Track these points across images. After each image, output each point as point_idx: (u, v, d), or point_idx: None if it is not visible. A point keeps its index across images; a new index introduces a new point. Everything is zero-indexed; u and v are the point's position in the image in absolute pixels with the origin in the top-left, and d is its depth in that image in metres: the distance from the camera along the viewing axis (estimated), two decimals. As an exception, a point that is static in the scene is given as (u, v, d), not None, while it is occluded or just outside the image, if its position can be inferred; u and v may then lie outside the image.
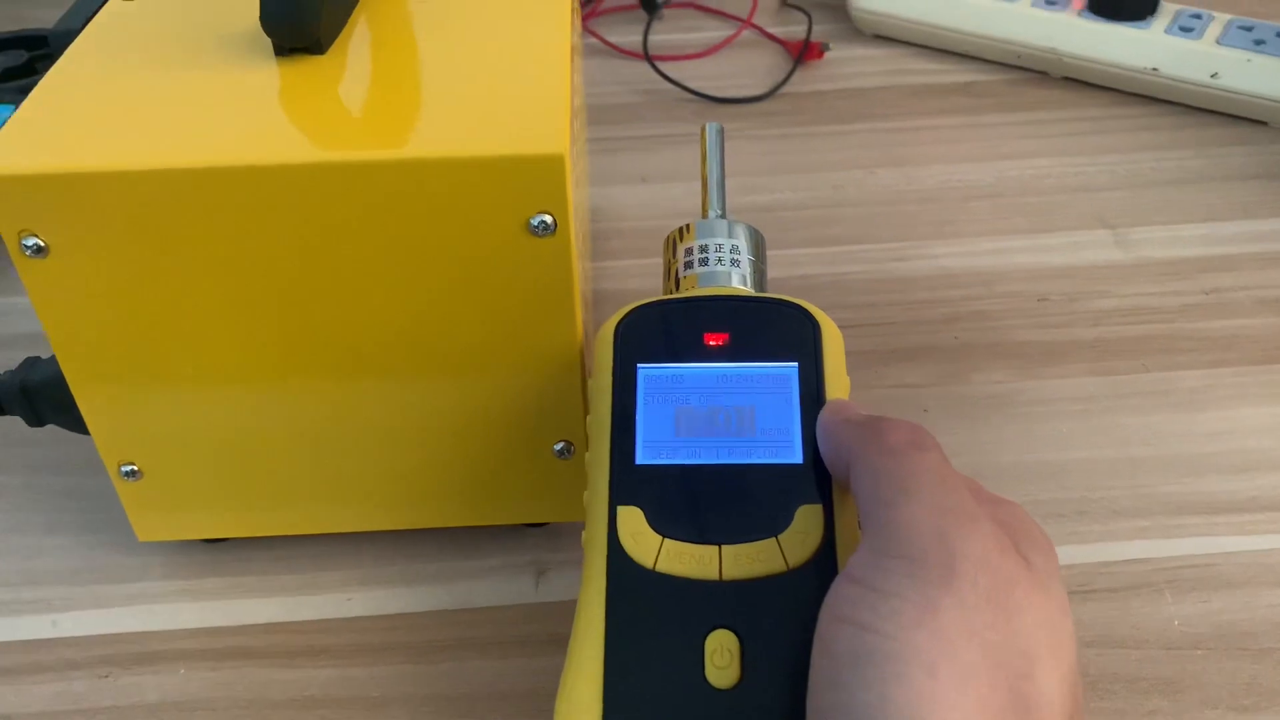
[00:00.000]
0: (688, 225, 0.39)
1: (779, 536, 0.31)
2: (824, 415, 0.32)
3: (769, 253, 0.40)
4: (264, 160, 0.32)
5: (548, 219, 0.33)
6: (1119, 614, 0.39)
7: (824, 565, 0.30)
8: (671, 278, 0.38)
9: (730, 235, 0.38)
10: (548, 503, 0.41)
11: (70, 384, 0.37)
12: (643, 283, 0.54)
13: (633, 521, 0.31)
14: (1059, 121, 0.64)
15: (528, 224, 0.33)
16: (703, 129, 0.41)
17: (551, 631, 0.39)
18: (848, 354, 0.48)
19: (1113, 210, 0.57)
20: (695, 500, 0.32)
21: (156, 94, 0.35)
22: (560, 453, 0.39)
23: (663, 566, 0.31)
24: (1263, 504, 0.43)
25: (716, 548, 0.31)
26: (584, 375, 0.38)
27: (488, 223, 0.33)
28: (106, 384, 0.37)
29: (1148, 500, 0.43)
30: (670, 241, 0.39)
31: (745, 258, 0.38)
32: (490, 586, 0.41)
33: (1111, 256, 0.55)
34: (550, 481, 0.40)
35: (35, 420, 0.40)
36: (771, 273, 0.48)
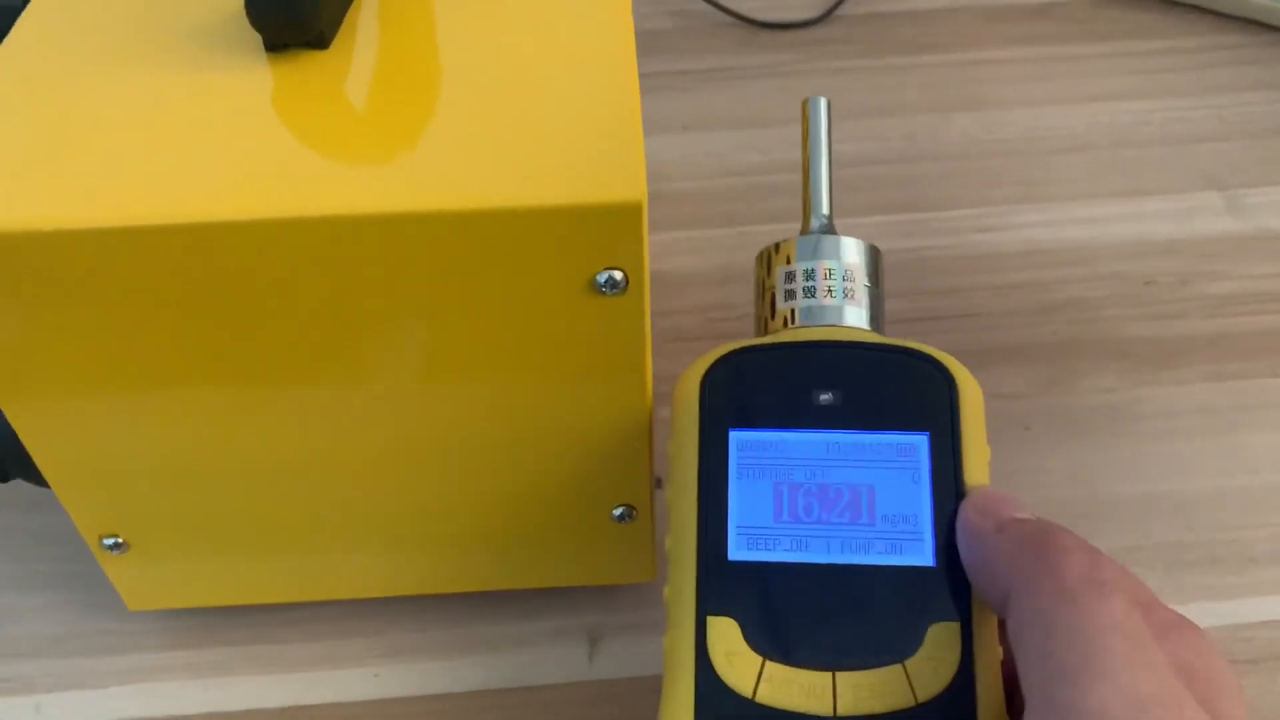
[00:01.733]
0: (783, 244, 0.31)
1: (906, 663, 0.25)
2: (968, 515, 0.26)
3: None
4: (260, 214, 0.25)
5: (617, 275, 0.27)
6: (1265, 691, 0.34)
7: (959, 701, 0.25)
8: (765, 311, 0.31)
9: (842, 256, 0.30)
10: (603, 566, 0.35)
11: (35, 456, 0.30)
12: (692, 262, 0.47)
13: (727, 637, 0.26)
14: (1155, 54, 0.56)
15: (592, 282, 0.27)
16: (804, 105, 0.33)
17: (613, 718, 0.34)
18: None
19: (1223, 165, 0.50)
20: (802, 612, 0.26)
21: (117, 110, 0.28)
22: (620, 518, 0.33)
23: (764, 696, 0.25)
24: None
25: (830, 674, 0.25)
26: (651, 435, 0.31)
27: (543, 282, 0.27)
28: (81, 464, 0.30)
29: (1289, 544, 0.37)
30: (763, 261, 0.32)
31: (862, 286, 0.30)
32: (537, 658, 0.35)
33: (1225, 226, 0.48)
34: (607, 544, 0.34)
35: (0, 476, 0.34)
36: None
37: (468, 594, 0.37)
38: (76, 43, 0.30)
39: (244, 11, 0.28)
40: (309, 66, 0.29)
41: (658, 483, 0.34)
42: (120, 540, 0.33)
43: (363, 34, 0.30)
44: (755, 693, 0.25)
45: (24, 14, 0.31)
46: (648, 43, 0.58)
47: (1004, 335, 0.44)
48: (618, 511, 0.33)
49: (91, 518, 0.32)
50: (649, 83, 0.56)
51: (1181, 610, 0.36)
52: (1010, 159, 0.51)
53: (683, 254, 0.47)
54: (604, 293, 0.27)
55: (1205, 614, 0.36)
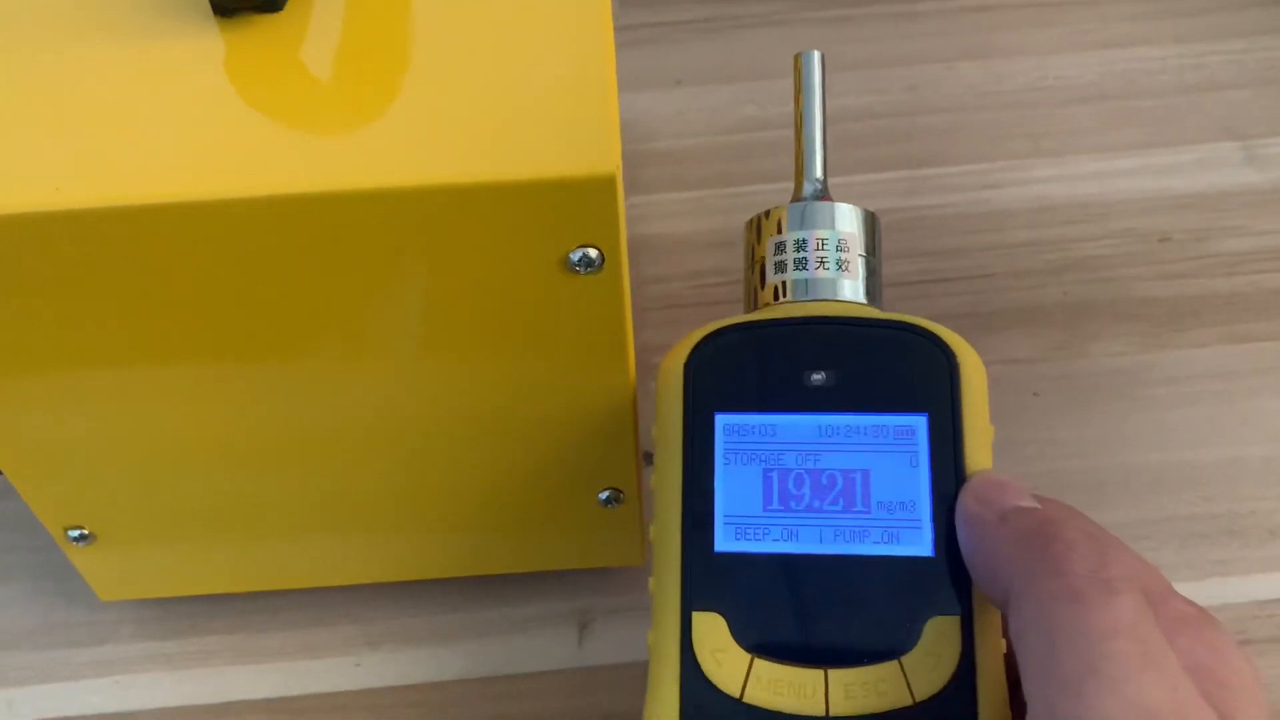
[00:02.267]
0: (774, 210, 0.29)
1: (903, 659, 0.24)
2: (968, 503, 0.25)
3: None
4: (214, 194, 0.23)
5: (591, 253, 0.25)
6: (1281, 672, 0.33)
7: (959, 699, 0.24)
8: (755, 282, 0.29)
9: (836, 225, 0.28)
10: (591, 549, 0.34)
11: (-13, 448, 0.29)
12: (685, 225, 0.45)
13: (714, 633, 0.25)
14: (1169, -4, 0.54)
15: (566, 260, 0.25)
16: (796, 60, 0.31)
17: (602, 708, 0.33)
18: (945, 317, 0.39)
19: (1241, 115, 0.48)
20: (793, 606, 0.25)
21: (61, 87, 0.26)
22: (606, 501, 0.32)
23: (752, 696, 0.24)
24: None
25: (822, 672, 0.24)
26: (635, 418, 0.30)
27: (515, 262, 0.25)
28: (38, 455, 0.29)
29: (1308, 515, 0.36)
30: (752, 229, 0.30)
31: (857, 256, 0.28)
32: (526, 645, 0.34)
33: (1243, 179, 0.46)
34: (594, 527, 0.33)
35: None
36: None
37: (451, 579, 0.35)
38: (15, 13, 0.28)
39: (190, -28, 0.26)
40: (262, 32, 0.27)
41: (648, 458, 0.32)
42: (86, 532, 0.31)
43: (319, -5, 0.28)
44: (743, 692, 0.24)
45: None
46: (640, -8, 0.56)
47: (1011, 297, 0.42)
48: (604, 495, 0.32)
49: (53, 509, 0.31)
50: (640, 34, 0.54)
51: (1197, 587, 0.35)
52: (1018, 111, 0.49)
53: (675, 216, 0.46)
54: (579, 271, 0.25)
55: (1222, 590, 0.35)
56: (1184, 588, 0.34)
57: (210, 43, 0.27)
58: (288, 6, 0.27)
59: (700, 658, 0.24)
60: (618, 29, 0.55)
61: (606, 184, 0.24)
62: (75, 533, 0.31)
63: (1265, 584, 0.35)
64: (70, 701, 0.34)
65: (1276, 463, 0.37)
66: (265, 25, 0.27)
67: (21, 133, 0.25)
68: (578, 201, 0.24)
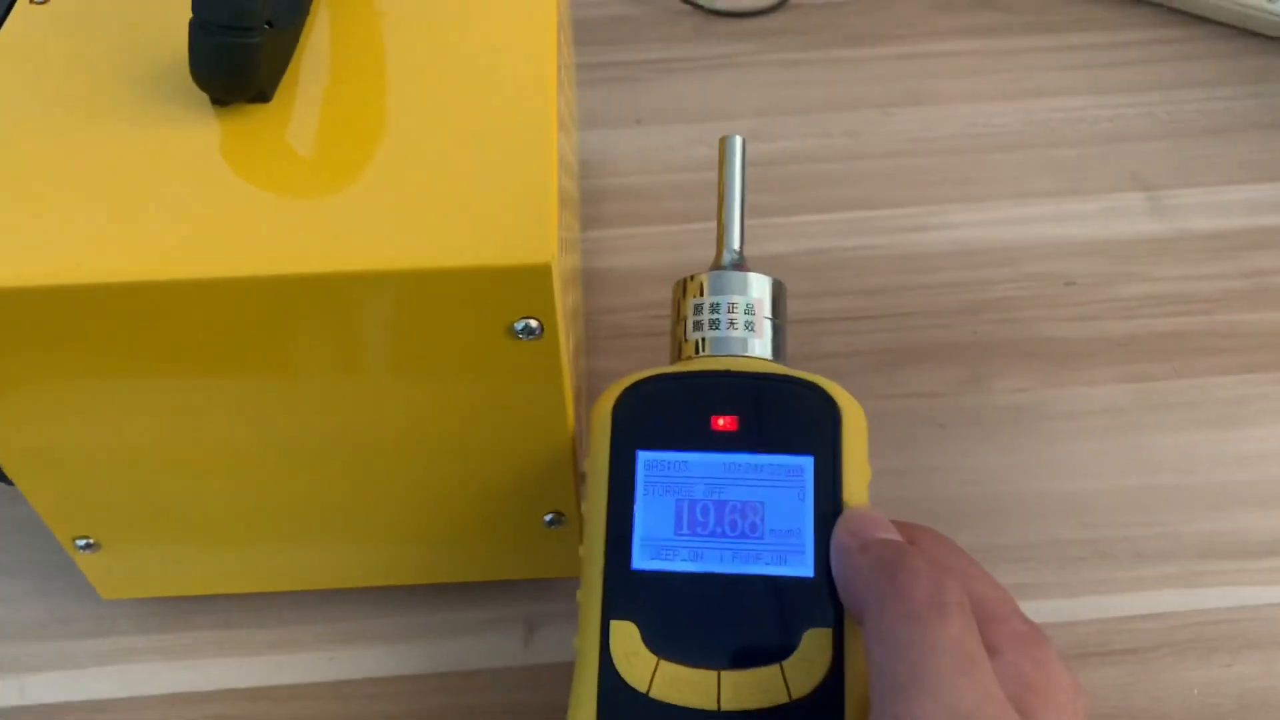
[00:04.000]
0: (695, 278, 0.34)
1: (783, 664, 0.28)
2: (841, 535, 0.29)
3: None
4: (215, 273, 0.28)
5: (533, 324, 0.29)
6: (1136, 680, 0.37)
7: (829, 699, 0.28)
8: (677, 339, 0.34)
9: (748, 291, 0.33)
10: (538, 561, 0.38)
11: (6, 471, 0.33)
12: (639, 259, 0.49)
13: (627, 639, 0.29)
14: (1095, 48, 0.58)
15: (510, 328, 0.29)
16: (721, 142, 0.35)
17: (544, 701, 0.37)
18: (865, 352, 0.45)
19: (1150, 166, 0.53)
20: (694, 616, 0.29)
21: (73, 169, 0.30)
22: (550, 522, 0.36)
23: (658, 692, 0.28)
24: (1294, 546, 0.40)
25: (716, 674, 0.28)
26: (576, 454, 0.34)
27: (467, 328, 0.29)
28: (50, 476, 0.33)
29: (1174, 542, 0.41)
30: (677, 293, 0.34)
31: (764, 319, 0.33)
32: (479, 644, 0.39)
33: (1146, 228, 0.50)
34: (540, 544, 0.37)
35: (-23, 479, 0.37)
36: (778, 245, 0.43)
37: (415, 586, 0.40)
38: (32, 99, 0.32)
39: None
40: (251, 121, 0.31)
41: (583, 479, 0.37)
42: (91, 541, 0.36)
43: (303, 87, 0.32)
44: (650, 689, 0.28)
45: (-12, 59, 0.33)
46: (605, 30, 0.60)
47: (928, 335, 0.47)
48: (548, 517, 0.36)
49: (63, 522, 0.35)
50: (604, 73, 0.58)
51: (1070, 603, 0.40)
52: (947, 157, 0.53)
53: (630, 250, 0.50)
54: (522, 338, 0.30)
55: (1092, 607, 0.39)
56: (1057, 603, 0.39)
57: (206, 131, 0.31)
58: (275, 97, 0.32)
59: (615, 659, 0.29)
60: (583, 66, 0.60)
61: (544, 270, 0.28)
62: (82, 542, 0.36)
63: (1129, 602, 0.39)
64: (76, 688, 0.38)
65: (1150, 493, 0.42)
66: (255, 115, 0.31)
67: (41, 210, 0.29)
68: (521, 283, 0.28)
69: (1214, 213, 0.51)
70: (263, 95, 0.31)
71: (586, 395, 0.42)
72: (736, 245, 0.34)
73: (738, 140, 0.35)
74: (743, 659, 0.28)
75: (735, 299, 0.33)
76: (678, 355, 0.34)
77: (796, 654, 0.28)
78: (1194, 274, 0.48)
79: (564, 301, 0.31)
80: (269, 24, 0.30)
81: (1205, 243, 0.49)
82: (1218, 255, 0.49)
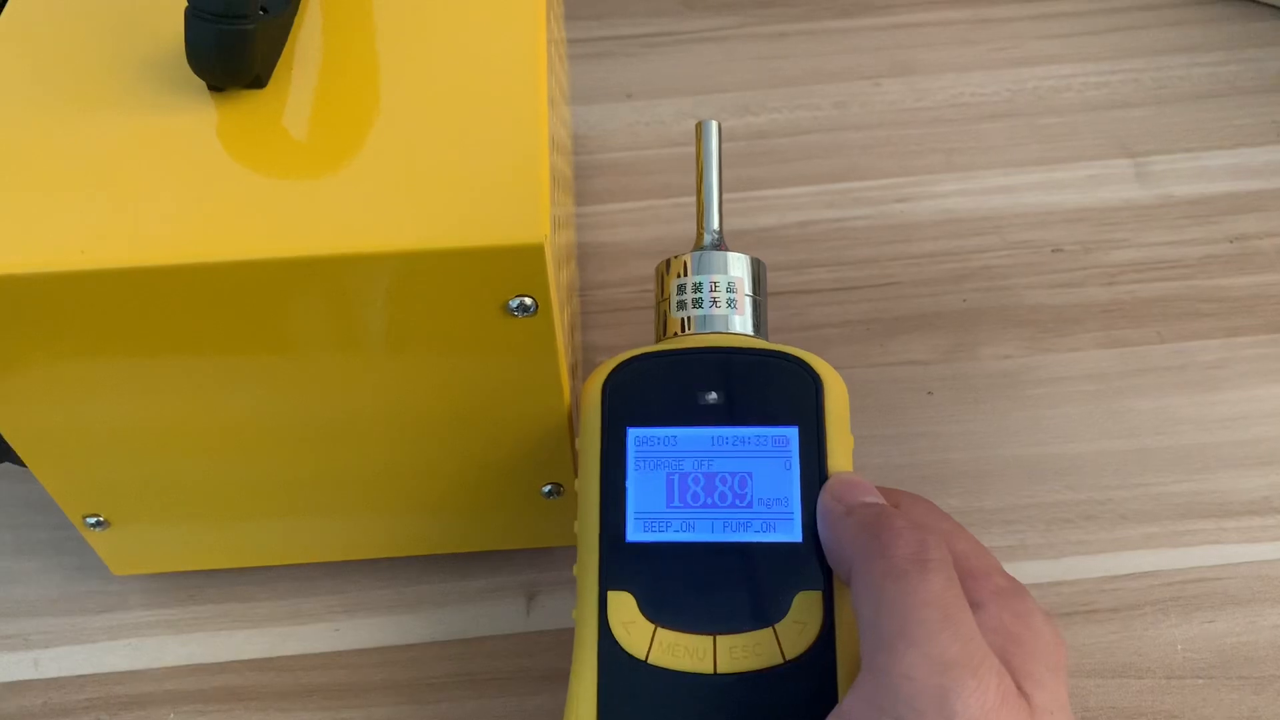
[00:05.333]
0: (677, 258, 0.35)
1: (776, 626, 0.29)
2: (826, 500, 0.30)
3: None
4: (214, 258, 0.28)
5: (527, 301, 0.30)
6: (1120, 638, 0.39)
7: (822, 657, 0.29)
8: (662, 318, 0.35)
9: (728, 270, 0.34)
10: (537, 531, 0.39)
11: (18, 452, 0.34)
12: (630, 233, 0.50)
13: (624, 609, 0.30)
14: (1080, 15, 0.59)
15: (505, 305, 0.30)
16: (697, 127, 0.36)
17: (546, 666, 0.39)
18: (854, 322, 0.46)
19: (1135, 133, 0.53)
20: (689, 585, 0.30)
21: (76, 159, 0.30)
22: (549, 493, 0.37)
23: (655, 658, 0.30)
24: (1274, 505, 0.41)
25: (711, 638, 0.29)
26: (571, 426, 0.35)
27: (464, 307, 0.30)
28: (60, 456, 0.34)
29: (1156, 502, 0.42)
30: (660, 274, 0.35)
31: (746, 296, 0.34)
32: (481, 613, 0.40)
33: (1131, 194, 0.51)
34: (539, 514, 0.38)
35: (-12, 460, 0.38)
36: (767, 218, 0.44)
37: (417, 557, 0.41)
38: (29, 85, 0.32)
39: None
40: (248, 107, 0.32)
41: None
42: (101, 518, 0.37)
43: (297, 71, 0.33)
44: (648, 655, 0.29)
45: (-13, 49, 0.33)
46: (594, 4, 0.61)
47: (915, 304, 0.47)
48: (546, 489, 0.37)
49: (74, 500, 0.36)
50: (595, 48, 0.58)
51: (1054, 564, 0.41)
52: (935, 127, 0.54)
53: (622, 225, 0.51)
54: (517, 315, 0.30)
55: (1079, 566, 0.40)
56: (1042, 564, 0.40)
57: (205, 115, 0.31)
58: (270, 82, 0.32)
59: (613, 628, 0.30)
60: (574, 42, 0.61)
61: (537, 250, 0.29)
62: (92, 519, 0.37)
63: (1112, 562, 0.40)
64: (88, 661, 0.39)
65: (1131, 456, 0.43)
66: (251, 100, 0.32)
67: (46, 198, 0.30)
68: (515, 262, 0.29)
69: (1198, 178, 0.51)
70: (258, 81, 0.32)
71: (581, 369, 0.43)
72: (716, 226, 0.35)
73: (713, 125, 0.36)
74: (737, 623, 0.29)
75: (717, 278, 0.34)
76: (663, 334, 0.35)
77: (789, 616, 0.29)
78: (1178, 239, 0.49)
79: (558, 278, 0.32)
80: (263, 9, 0.31)
81: (1189, 208, 0.50)
82: (1201, 220, 0.50)
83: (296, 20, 0.34)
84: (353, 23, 0.34)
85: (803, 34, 0.58)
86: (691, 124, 0.54)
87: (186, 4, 0.29)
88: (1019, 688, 0.27)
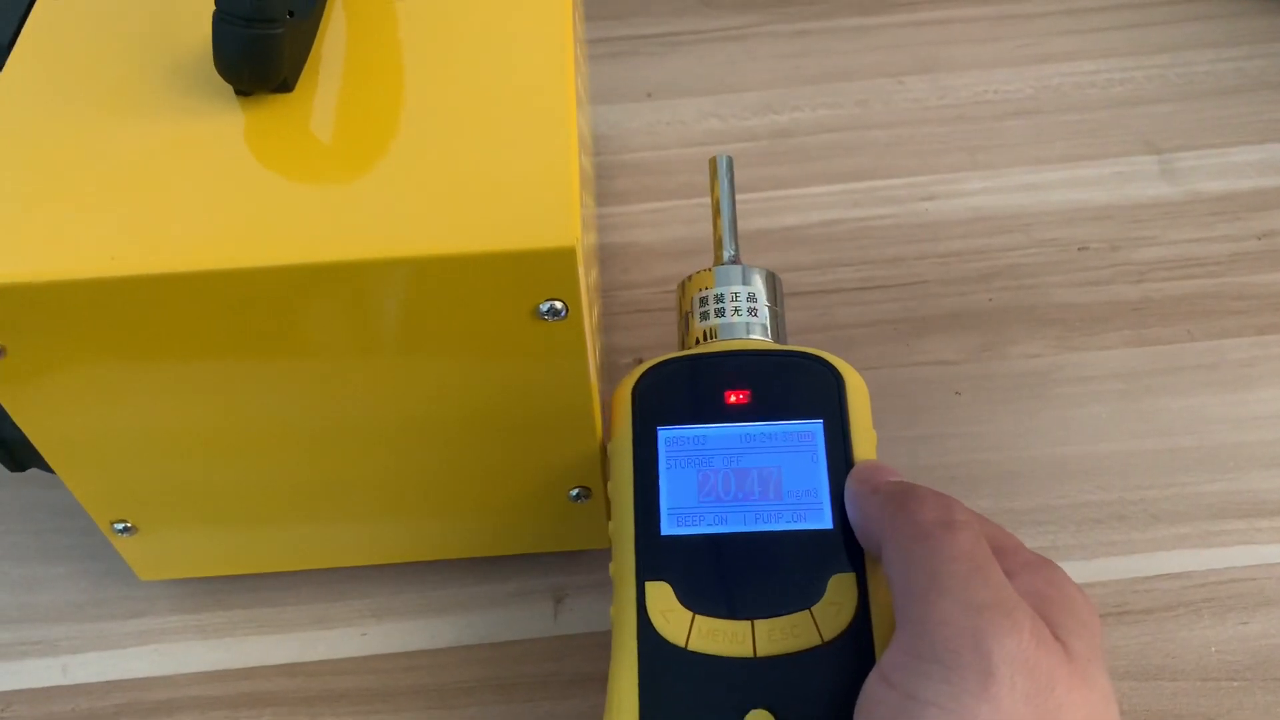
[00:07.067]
0: (699, 274, 0.37)
1: (812, 609, 0.30)
2: (852, 483, 0.31)
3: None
4: (244, 263, 0.28)
5: (558, 305, 0.30)
6: (1153, 639, 0.38)
7: (859, 637, 0.30)
8: (686, 327, 0.36)
9: (747, 282, 0.36)
10: (565, 534, 0.39)
11: (47, 459, 0.34)
12: (652, 234, 0.50)
13: (662, 598, 0.30)
14: (1104, 11, 0.58)
15: (536, 310, 0.30)
16: (711, 162, 0.38)
17: (574, 670, 0.38)
18: (880, 322, 0.46)
19: (1161, 129, 0.53)
20: (725, 573, 0.31)
21: (105, 165, 0.30)
22: (576, 497, 0.37)
23: (695, 645, 0.30)
24: (1308, 505, 0.41)
25: (749, 623, 0.30)
26: (599, 430, 0.35)
27: (494, 311, 0.30)
28: (89, 462, 0.34)
29: (1189, 502, 0.41)
30: (683, 288, 0.37)
31: (763, 306, 0.36)
32: (508, 617, 0.40)
33: (1158, 191, 0.50)
34: (567, 517, 0.38)
35: (15, 466, 0.38)
36: (791, 217, 0.46)
37: (444, 561, 0.41)
38: (56, 92, 0.32)
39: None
40: (275, 111, 0.31)
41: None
42: (129, 524, 0.37)
43: (324, 75, 0.32)
44: (688, 642, 0.30)
45: (10, 58, 0.33)
46: (614, 4, 0.60)
47: (943, 304, 0.47)
48: (574, 492, 0.37)
49: (102, 507, 0.36)
50: (615, 47, 0.58)
51: (1086, 564, 0.40)
52: (959, 125, 0.53)
53: (644, 226, 0.50)
54: (547, 319, 0.30)
55: (1110, 567, 0.40)
56: (1074, 565, 0.40)
57: (230, 121, 0.31)
58: (297, 87, 0.32)
59: (652, 617, 0.30)
60: (594, 42, 0.60)
61: (568, 253, 0.29)
62: (120, 525, 0.37)
63: (1144, 562, 0.40)
64: (116, 666, 0.39)
65: (1165, 455, 0.42)
66: (278, 104, 0.32)
67: (75, 205, 0.29)
68: (546, 266, 0.29)
69: (1225, 174, 0.51)
70: (285, 85, 0.32)
71: (605, 371, 0.43)
72: (732, 250, 0.37)
73: (724, 159, 0.39)
74: (774, 607, 0.30)
75: (736, 289, 0.36)
76: (685, 345, 0.36)
77: (824, 599, 0.30)
78: (1206, 236, 0.49)
79: (586, 281, 0.31)
80: (290, 14, 0.30)
81: (1217, 205, 0.50)
82: (1229, 217, 0.49)
83: (322, 23, 0.34)
84: (378, 24, 0.34)
85: (824, 32, 0.58)
86: (712, 124, 0.54)
87: (214, 8, 0.29)
88: (1055, 636, 0.27)
